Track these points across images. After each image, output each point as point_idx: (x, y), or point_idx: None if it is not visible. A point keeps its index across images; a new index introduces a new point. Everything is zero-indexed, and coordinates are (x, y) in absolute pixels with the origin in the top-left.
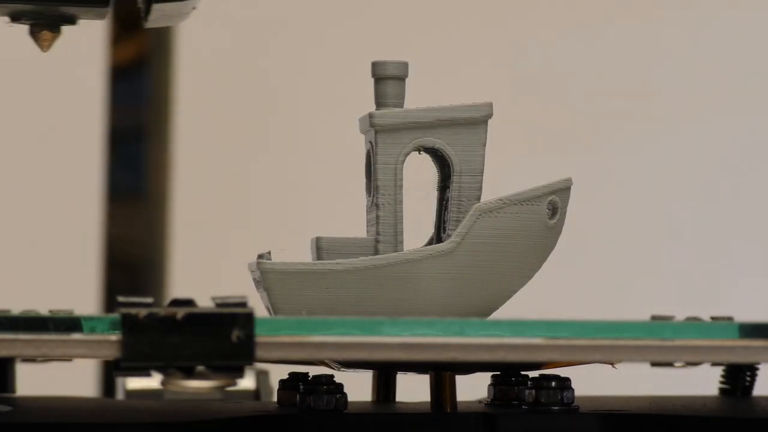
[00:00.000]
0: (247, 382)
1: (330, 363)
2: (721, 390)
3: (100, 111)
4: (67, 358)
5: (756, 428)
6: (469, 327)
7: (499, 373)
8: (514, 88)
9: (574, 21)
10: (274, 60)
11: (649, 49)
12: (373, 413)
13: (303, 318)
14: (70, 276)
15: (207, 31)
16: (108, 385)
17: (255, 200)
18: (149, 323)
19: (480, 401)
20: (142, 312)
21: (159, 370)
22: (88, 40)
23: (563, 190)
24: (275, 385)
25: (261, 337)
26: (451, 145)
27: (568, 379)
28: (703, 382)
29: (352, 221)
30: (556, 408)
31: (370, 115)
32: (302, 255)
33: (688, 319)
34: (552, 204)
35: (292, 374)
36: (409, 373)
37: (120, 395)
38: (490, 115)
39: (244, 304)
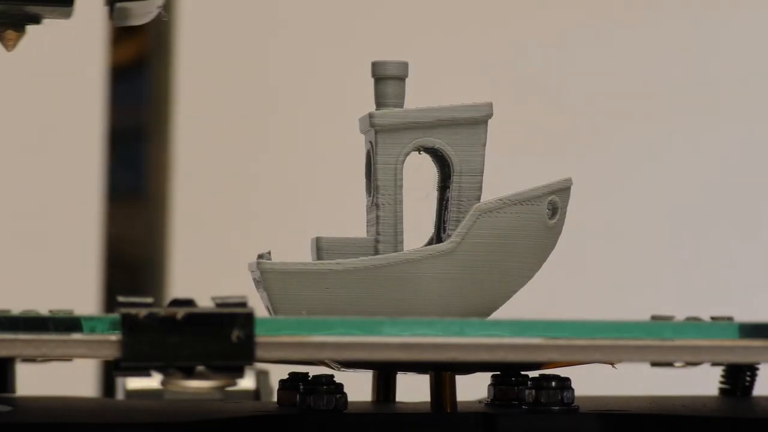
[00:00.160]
0: (247, 382)
1: (330, 363)
2: (721, 390)
3: (100, 111)
4: (67, 358)
5: (756, 428)
6: (469, 327)
7: (499, 373)
8: (514, 88)
9: (575, 21)
10: (274, 60)
11: (650, 48)
12: (373, 413)
13: (303, 318)
14: (70, 276)
15: (207, 31)
16: (108, 385)
17: (255, 200)
18: (149, 323)
19: (480, 401)
20: (142, 312)
21: (159, 370)
22: (88, 40)
23: (563, 190)
24: (275, 385)
25: (261, 337)
26: (451, 145)
27: (568, 379)
28: (703, 382)
29: (352, 221)
30: (556, 408)
31: (370, 115)
32: (302, 255)
33: (688, 319)
34: (552, 204)
35: (292, 374)
36: (409, 373)
37: (120, 395)
38: (490, 115)
39: (244, 304)
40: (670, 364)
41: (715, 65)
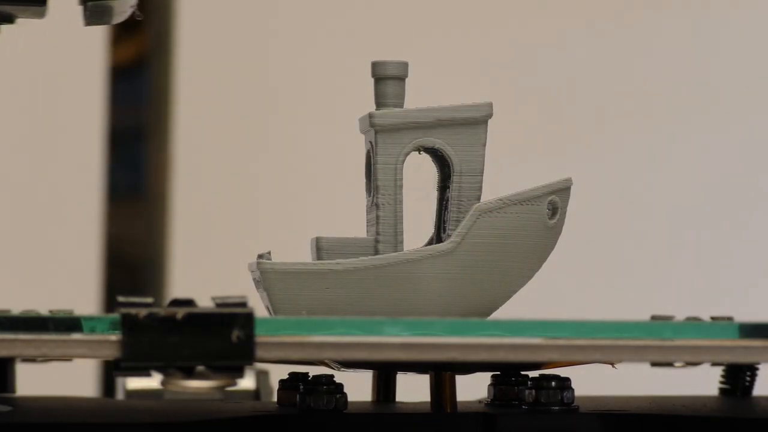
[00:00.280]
0: (247, 382)
1: (330, 363)
2: (721, 390)
3: (100, 111)
4: (67, 358)
5: (756, 428)
6: (469, 327)
7: (499, 373)
8: (514, 88)
9: (575, 21)
10: (274, 60)
11: (650, 49)
12: (373, 413)
13: (303, 318)
14: (70, 276)
15: (207, 31)
16: (108, 385)
17: (255, 200)
18: (149, 323)
19: (480, 401)
20: (142, 312)
21: (159, 370)
22: (88, 40)
23: (563, 190)
24: (275, 385)
25: (261, 337)
26: (451, 145)
27: (568, 379)
28: (703, 382)
29: (352, 221)
30: (556, 408)
31: (370, 115)
32: (302, 255)
33: (688, 319)
34: (552, 204)
35: (292, 374)
36: (409, 373)
37: (120, 395)
38: (490, 115)
39: (244, 304)
40: (670, 364)
41: (715, 65)
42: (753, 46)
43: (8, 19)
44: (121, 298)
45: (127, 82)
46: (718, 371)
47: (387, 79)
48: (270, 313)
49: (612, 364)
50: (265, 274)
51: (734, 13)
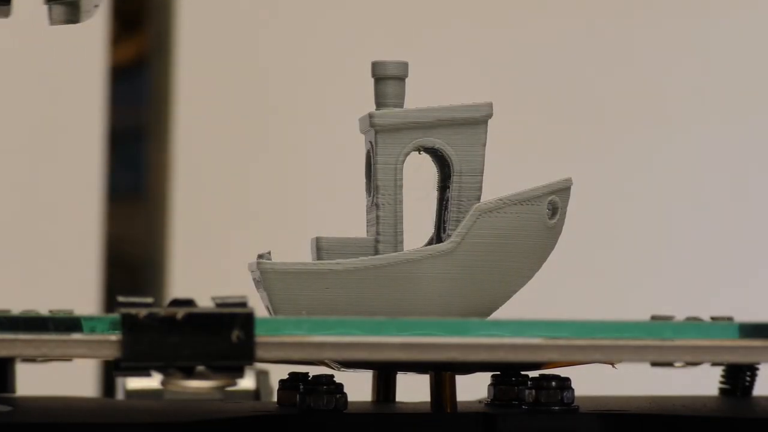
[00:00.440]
0: (247, 382)
1: (330, 363)
2: (721, 390)
3: (100, 111)
4: (67, 358)
5: (756, 428)
6: (469, 327)
7: (499, 373)
8: (514, 88)
9: (575, 21)
10: (274, 60)
11: (650, 49)
12: (373, 413)
13: (303, 318)
14: (70, 276)
15: (207, 31)
16: (108, 385)
17: (255, 200)
18: (149, 323)
19: (480, 401)
20: (142, 312)
21: (159, 370)
22: (88, 40)
23: (563, 190)
24: (275, 385)
25: (261, 337)
26: (451, 145)
27: (568, 379)
28: (703, 382)
29: (352, 221)
30: (556, 408)
31: (370, 115)
32: (302, 255)
33: (688, 319)
34: (552, 204)
35: (292, 374)
36: (409, 373)
37: (120, 395)
38: (490, 115)
39: (244, 304)
40: (670, 364)
41: (715, 65)
42: (753, 46)
43: None
44: (121, 298)
45: (127, 82)
46: (718, 371)
47: (387, 79)
48: (270, 313)
49: (612, 364)
50: (265, 274)
51: (734, 14)
